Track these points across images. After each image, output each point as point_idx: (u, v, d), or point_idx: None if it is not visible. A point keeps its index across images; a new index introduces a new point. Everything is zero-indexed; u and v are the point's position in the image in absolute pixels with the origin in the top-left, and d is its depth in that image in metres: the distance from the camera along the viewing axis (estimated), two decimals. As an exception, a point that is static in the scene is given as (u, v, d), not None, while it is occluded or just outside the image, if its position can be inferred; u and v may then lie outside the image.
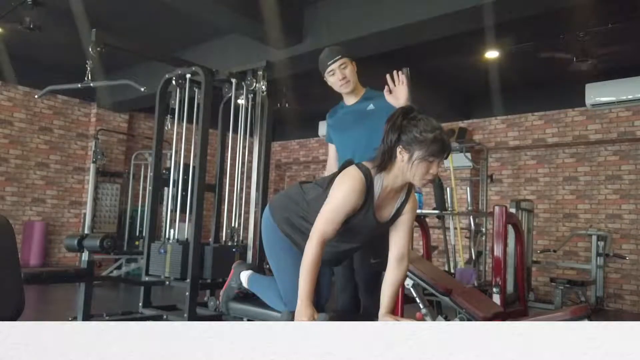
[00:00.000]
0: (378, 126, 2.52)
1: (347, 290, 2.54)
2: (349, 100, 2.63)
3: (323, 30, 5.07)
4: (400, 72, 2.41)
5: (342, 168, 1.98)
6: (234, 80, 3.83)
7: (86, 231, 7.38)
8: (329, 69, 2.52)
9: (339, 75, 2.52)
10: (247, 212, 3.89)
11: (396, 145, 1.84)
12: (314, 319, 1.80)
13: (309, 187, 2.13)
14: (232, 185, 3.92)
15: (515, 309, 3.46)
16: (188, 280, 3.39)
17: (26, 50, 6.75)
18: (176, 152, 3.88)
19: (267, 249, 2.21)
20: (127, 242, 7.77)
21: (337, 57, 2.51)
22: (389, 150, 1.86)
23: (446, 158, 1.87)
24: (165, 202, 4.21)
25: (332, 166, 2.75)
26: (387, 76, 2.42)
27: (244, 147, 3.89)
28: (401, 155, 1.84)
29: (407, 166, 1.83)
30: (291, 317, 1.89)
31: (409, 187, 2.00)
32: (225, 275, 2.62)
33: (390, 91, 2.42)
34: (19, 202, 7.53)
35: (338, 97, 2.69)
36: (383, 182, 1.90)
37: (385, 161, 1.87)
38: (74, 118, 8.12)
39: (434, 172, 1.83)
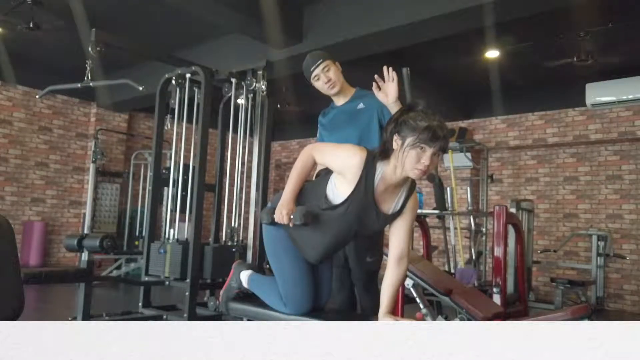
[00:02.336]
0: (369, 124, 2.55)
1: (344, 291, 2.55)
2: (339, 101, 2.66)
3: (323, 30, 5.07)
4: (390, 69, 2.42)
5: None
6: (233, 80, 3.82)
7: (86, 231, 7.38)
8: (313, 74, 2.56)
9: (323, 79, 2.55)
10: (247, 212, 3.89)
11: (393, 133, 1.87)
12: (292, 212, 2.00)
13: (309, 185, 2.15)
14: (232, 185, 3.92)
15: (515, 309, 3.46)
16: (188, 280, 3.38)
17: (26, 50, 6.75)
18: (176, 152, 3.88)
19: (267, 249, 2.22)
20: (126, 242, 7.77)
21: (319, 61, 2.54)
22: (387, 139, 1.89)
23: (443, 151, 1.85)
24: (165, 202, 4.20)
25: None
26: (376, 75, 2.43)
27: (243, 147, 3.88)
28: (396, 143, 1.86)
29: (400, 154, 1.85)
30: (272, 211, 2.05)
31: (411, 186, 2.00)
32: (225, 275, 2.62)
33: (379, 88, 2.43)
34: (19, 202, 7.53)
35: (331, 98, 2.71)
36: (383, 171, 1.92)
37: (385, 149, 1.91)
38: (73, 118, 8.12)
39: (425, 161, 1.81)
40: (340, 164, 1.96)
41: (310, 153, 2.07)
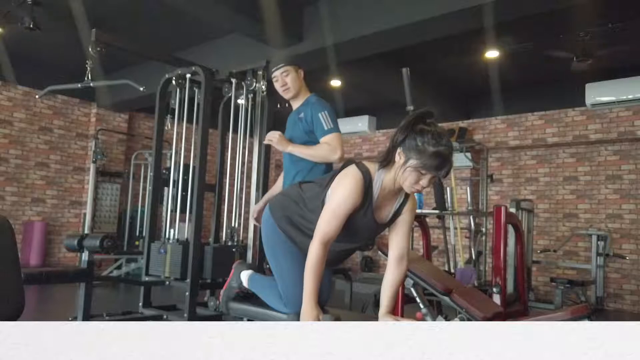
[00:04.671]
0: (301, 136, 2.58)
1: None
2: (294, 105, 2.73)
3: (323, 30, 5.07)
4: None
5: (342, 167, 1.98)
6: (234, 80, 3.82)
7: (86, 231, 7.38)
8: (273, 75, 2.66)
9: (280, 82, 2.65)
10: (247, 212, 3.88)
11: (398, 146, 1.83)
12: (319, 320, 1.81)
13: (308, 186, 2.13)
14: (232, 185, 3.92)
15: (515, 308, 3.45)
16: (188, 280, 3.38)
17: (26, 50, 6.75)
18: (176, 152, 3.88)
19: (267, 249, 2.21)
20: (127, 242, 7.78)
21: (280, 65, 2.64)
22: (391, 149, 1.86)
23: (444, 176, 1.83)
24: (165, 202, 4.20)
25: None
26: None
27: (244, 147, 3.88)
28: (399, 157, 1.83)
29: (400, 170, 1.83)
30: (296, 319, 1.89)
31: None
32: (226, 275, 2.62)
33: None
34: (19, 202, 7.53)
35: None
36: (382, 181, 1.90)
37: (387, 159, 1.87)
38: (73, 118, 8.12)
39: (424, 184, 1.81)
40: (354, 203, 1.87)
41: (320, 239, 1.85)
